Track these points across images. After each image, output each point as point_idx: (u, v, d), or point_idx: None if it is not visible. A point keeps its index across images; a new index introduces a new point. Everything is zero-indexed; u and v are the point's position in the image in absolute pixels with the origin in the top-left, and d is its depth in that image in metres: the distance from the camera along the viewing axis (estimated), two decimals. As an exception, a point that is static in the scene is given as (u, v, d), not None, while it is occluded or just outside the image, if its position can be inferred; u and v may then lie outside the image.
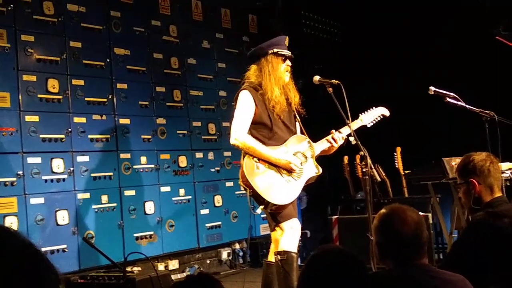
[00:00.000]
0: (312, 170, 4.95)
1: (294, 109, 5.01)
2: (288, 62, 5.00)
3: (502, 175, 3.99)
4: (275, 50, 4.94)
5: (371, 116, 5.19)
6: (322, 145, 5.00)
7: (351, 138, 4.83)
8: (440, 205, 6.28)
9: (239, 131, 4.76)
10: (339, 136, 4.95)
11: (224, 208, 7.65)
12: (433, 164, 5.52)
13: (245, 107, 4.85)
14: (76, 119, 6.14)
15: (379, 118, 5.23)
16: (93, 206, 6.19)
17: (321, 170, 4.99)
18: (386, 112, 5.27)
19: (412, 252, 2.59)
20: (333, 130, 4.98)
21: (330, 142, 4.97)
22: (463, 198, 3.58)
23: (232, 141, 4.77)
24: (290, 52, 5.01)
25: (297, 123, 5.08)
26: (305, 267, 2.12)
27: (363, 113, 5.17)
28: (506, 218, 2.72)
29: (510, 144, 4.80)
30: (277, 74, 4.91)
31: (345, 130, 4.95)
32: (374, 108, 5.24)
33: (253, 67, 5.03)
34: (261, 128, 4.88)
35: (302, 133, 5.07)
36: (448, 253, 3.89)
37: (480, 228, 2.76)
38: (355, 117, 5.05)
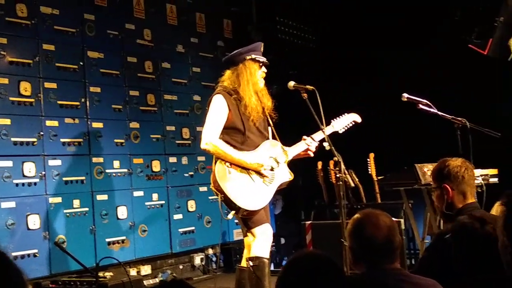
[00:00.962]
0: (284, 175, 4.96)
1: (267, 114, 5.02)
2: (263, 68, 5.01)
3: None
4: (253, 56, 4.96)
5: (343, 122, 5.22)
6: (296, 149, 5.01)
7: (325, 144, 4.85)
8: (413, 211, 6.32)
9: (210, 136, 4.74)
10: (311, 142, 4.98)
11: (198, 213, 7.61)
12: (405, 170, 5.55)
13: (217, 111, 4.84)
14: (48, 123, 6.07)
15: (350, 125, 5.27)
16: (65, 211, 6.11)
17: (292, 176, 5.00)
18: (358, 119, 5.31)
19: (385, 256, 2.60)
20: (305, 136, 5.00)
21: (302, 148, 4.99)
22: (436, 202, 3.61)
23: (203, 145, 4.75)
24: (265, 59, 5.02)
25: (269, 128, 5.09)
26: (282, 272, 2.12)
27: (335, 119, 5.20)
28: (489, 224, 2.74)
29: (481, 151, 4.84)
30: (254, 80, 4.92)
31: (318, 136, 4.97)
32: (346, 114, 5.27)
33: (228, 72, 5.03)
34: (234, 133, 4.87)
35: (274, 138, 5.08)
36: (421, 258, 3.92)
37: (465, 232, 2.77)
38: (327, 123, 5.06)
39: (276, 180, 4.90)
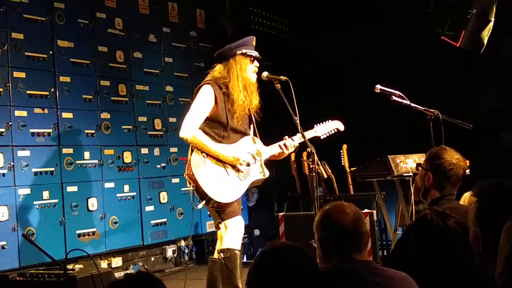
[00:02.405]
0: (259, 173, 4.93)
1: (252, 112, 4.97)
2: (256, 63, 4.95)
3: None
4: (244, 50, 4.88)
5: (325, 129, 5.21)
6: (272, 150, 4.99)
7: (298, 135, 4.83)
8: (385, 202, 6.34)
9: (191, 125, 4.69)
10: (291, 144, 4.94)
11: (170, 205, 7.56)
12: (378, 161, 5.55)
13: (203, 102, 4.78)
14: (17, 113, 5.97)
15: (333, 132, 5.26)
16: (34, 202, 6.03)
17: (268, 174, 4.98)
18: (341, 127, 5.29)
19: (353, 243, 2.60)
20: (286, 137, 4.97)
21: (281, 148, 4.96)
22: (418, 181, 3.62)
23: (182, 134, 4.70)
24: (258, 53, 4.96)
25: (251, 125, 5.05)
26: (254, 263, 2.09)
27: (318, 124, 5.19)
28: (452, 218, 2.74)
29: (453, 142, 4.86)
30: (245, 75, 4.87)
31: (298, 138, 4.94)
32: (329, 121, 5.25)
33: (220, 66, 4.94)
34: (216, 126, 4.82)
35: (255, 135, 5.04)
36: (392, 251, 3.92)
37: (424, 226, 2.77)
38: (310, 127, 5.08)
39: (251, 175, 4.87)
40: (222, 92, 4.83)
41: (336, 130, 5.29)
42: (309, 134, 5.01)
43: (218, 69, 4.95)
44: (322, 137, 5.20)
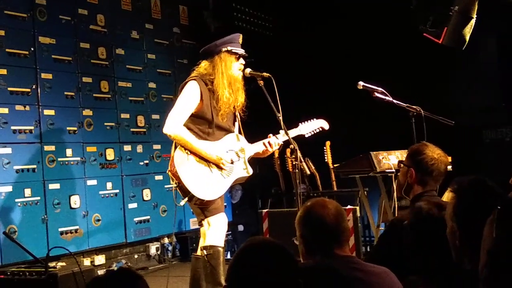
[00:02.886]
0: (243, 170, 4.93)
1: (237, 109, 4.96)
2: (241, 60, 4.94)
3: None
4: (229, 48, 4.86)
5: (310, 127, 5.22)
6: (256, 147, 4.99)
7: (281, 132, 4.82)
8: (368, 198, 6.36)
9: (175, 122, 4.67)
10: (275, 141, 4.94)
11: (153, 202, 7.54)
12: (361, 157, 5.57)
13: (188, 98, 4.76)
14: (-2, 110, 5.92)
15: (318, 130, 5.28)
16: (16, 200, 5.98)
17: (251, 172, 4.97)
18: (326, 125, 5.31)
19: (334, 239, 2.61)
20: (270, 135, 4.96)
21: (265, 146, 4.95)
22: (400, 178, 3.64)
23: (165, 130, 4.68)
24: (244, 51, 4.94)
25: (236, 123, 5.04)
26: (233, 260, 2.08)
27: (302, 123, 5.20)
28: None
29: (435, 139, 4.88)
30: (230, 73, 4.85)
31: (282, 137, 4.94)
32: (314, 119, 5.27)
33: (205, 63, 4.92)
34: (200, 122, 4.80)
35: (239, 133, 5.04)
36: (374, 246, 3.94)
37: (421, 217, 2.78)
38: (295, 126, 5.10)
39: (234, 173, 4.86)
40: (208, 88, 4.81)
41: (320, 129, 5.31)
42: (293, 132, 5.02)
43: (203, 66, 4.93)
44: (306, 136, 5.21)
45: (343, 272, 2.49)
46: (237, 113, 5.02)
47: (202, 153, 4.68)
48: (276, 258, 2.00)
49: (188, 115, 4.74)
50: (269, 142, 4.94)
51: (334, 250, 2.60)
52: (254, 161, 5.06)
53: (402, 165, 3.65)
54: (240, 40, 4.98)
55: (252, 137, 5.05)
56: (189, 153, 4.67)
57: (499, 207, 1.87)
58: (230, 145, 4.90)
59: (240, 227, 8.60)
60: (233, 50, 4.88)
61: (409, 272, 2.76)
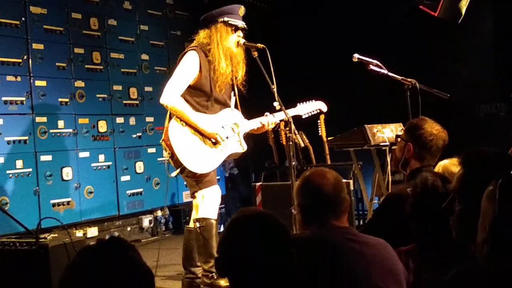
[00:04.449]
0: (237, 146, 4.91)
1: (235, 83, 4.90)
2: (239, 33, 4.84)
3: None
4: (226, 19, 4.77)
5: (308, 108, 5.20)
6: (252, 124, 4.96)
7: (276, 104, 4.77)
8: (362, 172, 6.34)
9: (172, 92, 4.62)
10: (271, 120, 4.91)
11: (146, 175, 7.51)
12: (355, 131, 5.54)
13: (186, 69, 4.69)
14: (-11, 80, 5.86)
15: (315, 112, 5.27)
16: (7, 171, 5.95)
17: (245, 148, 4.94)
18: (324, 107, 5.30)
19: (332, 209, 2.59)
20: (267, 113, 4.93)
21: (261, 123, 4.92)
22: (397, 152, 3.62)
23: (162, 100, 4.63)
24: (243, 23, 4.84)
25: (234, 97, 4.98)
26: (224, 231, 2.06)
27: (301, 103, 5.18)
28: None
29: (430, 113, 4.85)
30: (225, 44, 4.76)
31: (278, 115, 4.90)
32: (313, 101, 5.24)
33: (204, 32, 4.83)
34: (198, 94, 4.75)
35: (236, 108, 4.98)
36: (369, 219, 3.92)
37: (426, 187, 2.75)
38: (293, 106, 5.08)
39: (229, 148, 4.83)
40: (208, 59, 4.74)
41: (318, 111, 5.29)
42: (291, 112, 4.98)
43: (202, 35, 4.84)
44: (304, 117, 5.19)
45: (338, 242, 2.48)
46: (235, 88, 4.96)
47: (198, 126, 4.63)
48: (267, 229, 1.98)
49: (186, 86, 4.69)
50: (266, 121, 4.91)
51: (331, 220, 2.58)
52: (248, 133, 5.03)
53: (399, 139, 3.62)
54: (241, 12, 4.87)
55: (247, 112, 5.01)
56: (184, 124, 4.62)
57: (500, 180, 1.80)
58: (226, 120, 4.86)
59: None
60: (230, 22, 4.79)
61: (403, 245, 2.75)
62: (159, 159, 7.52)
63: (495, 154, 2.27)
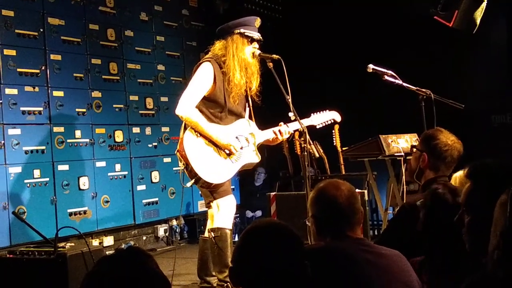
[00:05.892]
0: (251, 156, 4.92)
1: (249, 94, 4.93)
2: (255, 44, 4.88)
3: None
4: (242, 30, 4.81)
5: (322, 118, 5.20)
6: (266, 134, 4.97)
7: (291, 114, 4.80)
8: (376, 182, 6.35)
9: (187, 104, 4.65)
10: (286, 130, 4.92)
11: (162, 184, 7.55)
12: (370, 141, 5.56)
13: (201, 80, 4.73)
14: (8, 91, 5.92)
15: (329, 122, 5.27)
16: (25, 181, 6.00)
17: (259, 159, 4.96)
18: (338, 118, 5.29)
19: (347, 221, 2.60)
20: (282, 123, 4.95)
21: (275, 134, 4.93)
22: (412, 162, 3.64)
23: (177, 111, 4.67)
24: (259, 35, 4.89)
25: (248, 108, 5.02)
26: (239, 241, 2.09)
27: (315, 113, 5.19)
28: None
29: (444, 123, 4.86)
30: (241, 56, 4.79)
31: (293, 125, 4.92)
32: (327, 111, 5.25)
33: (220, 43, 4.88)
34: (213, 105, 4.79)
35: (250, 118, 5.02)
36: (385, 229, 3.93)
37: (436, 200, 2.77)
38: (307, 116, 5.08)
39: (243, 158, 4.85)
40: (222, 71, 4.78)
41: (332, 121, 5.29)
42: (305, 122, 4.98)
43: (217, 46, 4.89)
44: (318, 127, 5.19)
45: (353, 253, 2.49)
46: (249, 99, 4.99)
47: (213, 137, 4.66)
48: (281, 240, 2.00)
49: (200, 97, 4.72)
50: (279, 130, 4.92)
51: (345, 231, 2.59)
52: (262, 144, 5.06)
53: (414, 149, 3.64)
54: (257, 24, 4.91)
55: (262, 123, 5.04)
56: (198, 135, 4.66)
57: None
58: (240, 130, 4.89)
59: (258, 213, 8.60)
60: (246, 33, 4.83)
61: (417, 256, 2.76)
62: (174, 168, 7.56)
63: (500, 165, 2.30)
